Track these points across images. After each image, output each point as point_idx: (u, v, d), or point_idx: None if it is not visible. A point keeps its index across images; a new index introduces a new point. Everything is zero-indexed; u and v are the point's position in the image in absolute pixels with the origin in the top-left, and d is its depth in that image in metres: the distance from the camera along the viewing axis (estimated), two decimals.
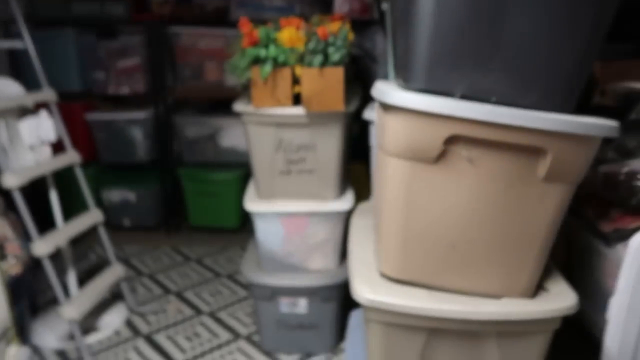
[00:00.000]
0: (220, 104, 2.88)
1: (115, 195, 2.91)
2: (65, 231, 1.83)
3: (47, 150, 1.93)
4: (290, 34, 1.56)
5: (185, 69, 2.81)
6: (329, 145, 1.66)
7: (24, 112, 1.91)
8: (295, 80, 1.57)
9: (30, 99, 1.85)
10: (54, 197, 1.97)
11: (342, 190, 1.78)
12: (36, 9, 2.66)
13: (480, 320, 0.90)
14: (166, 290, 2.35)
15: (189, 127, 2.84)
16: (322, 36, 1.49)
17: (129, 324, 2.08)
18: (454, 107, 0.89)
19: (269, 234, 1.76)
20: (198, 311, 2.17)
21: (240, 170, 2.82)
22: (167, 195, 2.92)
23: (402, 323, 0.93)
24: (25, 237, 1.84)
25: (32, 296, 2.08)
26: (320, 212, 1.72)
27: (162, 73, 2.75)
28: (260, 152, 1.70)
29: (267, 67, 1.49)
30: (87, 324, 2.01)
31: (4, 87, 1.82)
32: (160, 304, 2.21)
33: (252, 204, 1.74)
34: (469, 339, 0.94)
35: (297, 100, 1.60)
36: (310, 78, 1.50)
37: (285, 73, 1.54)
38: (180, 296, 2.30)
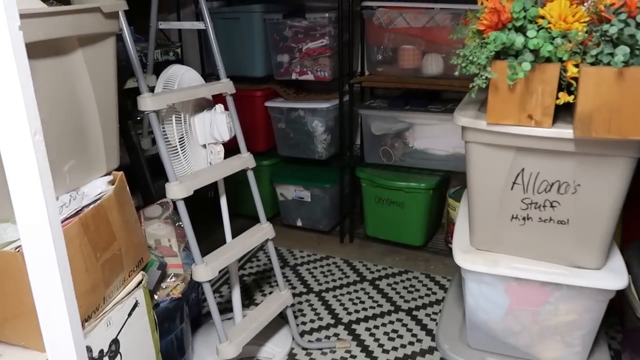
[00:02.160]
0: (414, 96, 2.39)
1: (289, 191, 2.65)
2: (231, 252, 1.55)
3: (220, 151, 1.67)
4: (562, 8, 0.97)
5: (377, 52, 2.36)
6: (603, 186, 1.05)
7: (200, 105, 1.67)
8: (563, 85, 0.99)
9: (206, 91, 1.59)
10: (224, 205, 1.72)
11: (608, 256, 1.15)
12: None
13: None
14: (336, 319, 1.99)
15: (375, 122, 2.41)
16: (631, 10, 0.87)
17: (292, 357, 1.77)
18: None
19: (485, 300, 1.23)
20: (372, 358, 1.76)
21: (433, 180, 2.31)
22: (344, 198, 2.56)
23: None
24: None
25: (196, 308, 1.90)
26: (573, 286, 1.12)
27: (350, 57, 2.35)
28: (485, 185, 1.16)
29: (525, 65, 0.93)
30: (249, 351, 1.75)
31: (181, 76, 1.59)
32: (328, 341, 1.85)
33: (466, 257, 1.22)
34: None
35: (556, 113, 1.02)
36: (598, 83, 0.91)
37: (550, 73, 0.97)
38: (350, 329, 1.92)
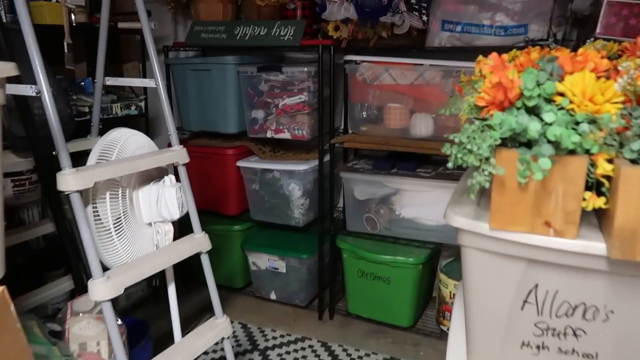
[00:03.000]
0: (401, 157, 2.16)
1: (262, 260, 2.37)
2: (180, 356, 1.25)
3: (169, 231, 1.41)
4: (587, 84, 0.73)
5: (361, 110, 2.15)
6: None
7: (148, 175, 1.41)
8: (590, 183, 0.74)
9: (150, 162, 1.33)
10: (172, 296, 1.44)
11: None
12: (197, 34, 2.26)
13: None
14: None
15: (358, 186, 2.17)
16: None
17: None
18: None
19: None
20: None
21: (422, 253, 2.05)
22: (323, 270, 2.28)
23: None
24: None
25: None
26: None
27: (331, 114, 2.13)
28: (487, 301, 0.90)
29: (544, 162, 0.69)
30: None
31: (124, 142, 1.34)
32: None
33: None
34: None
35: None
36: None
37: (574, 169, 0.72)
38: None
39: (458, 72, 1.89)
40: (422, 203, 2.08)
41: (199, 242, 1.39)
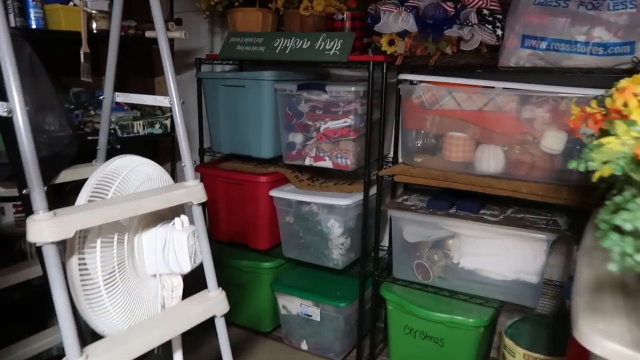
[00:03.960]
0: (462, 194, 1.82)
1: (294, 305, 2.07)
2: None
3: (178, 286, 1.13)
4: None
5: (415, 138, 1.83)
6: None
7: (156, 214, 1.14)
8: None
9: (156, 202, 1.06)
10: None
11: None
12: (232, 46, 2.02)
13: None
14: None
15: (408, 226, 1.84)
16: None
17: None
18: None
19: None
20: None
21: (485, 314, 1.69)
22: (363, 319, 1.96)
23: None
24: None
25: None
26: None
27: (380, 140, 1.83)
28: None
29: None
30: None
31: (127, 174, 1.08)
32: None
33: None
34: None
35: None
36: None
37: None
38: None
39: (539, 98, 1.56)
40: (486, 252, 1.73)
41: (214, 302, 1.11)
